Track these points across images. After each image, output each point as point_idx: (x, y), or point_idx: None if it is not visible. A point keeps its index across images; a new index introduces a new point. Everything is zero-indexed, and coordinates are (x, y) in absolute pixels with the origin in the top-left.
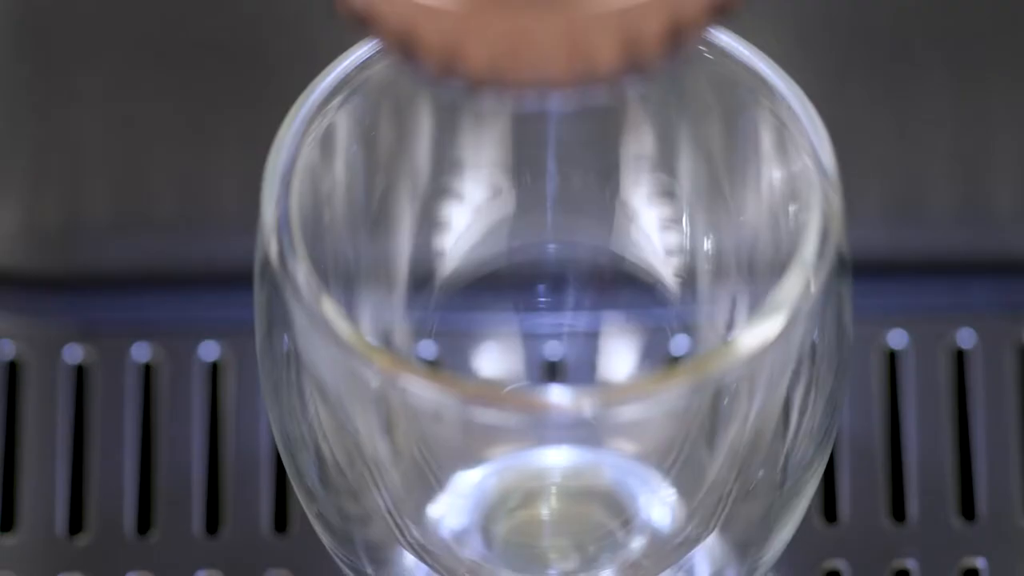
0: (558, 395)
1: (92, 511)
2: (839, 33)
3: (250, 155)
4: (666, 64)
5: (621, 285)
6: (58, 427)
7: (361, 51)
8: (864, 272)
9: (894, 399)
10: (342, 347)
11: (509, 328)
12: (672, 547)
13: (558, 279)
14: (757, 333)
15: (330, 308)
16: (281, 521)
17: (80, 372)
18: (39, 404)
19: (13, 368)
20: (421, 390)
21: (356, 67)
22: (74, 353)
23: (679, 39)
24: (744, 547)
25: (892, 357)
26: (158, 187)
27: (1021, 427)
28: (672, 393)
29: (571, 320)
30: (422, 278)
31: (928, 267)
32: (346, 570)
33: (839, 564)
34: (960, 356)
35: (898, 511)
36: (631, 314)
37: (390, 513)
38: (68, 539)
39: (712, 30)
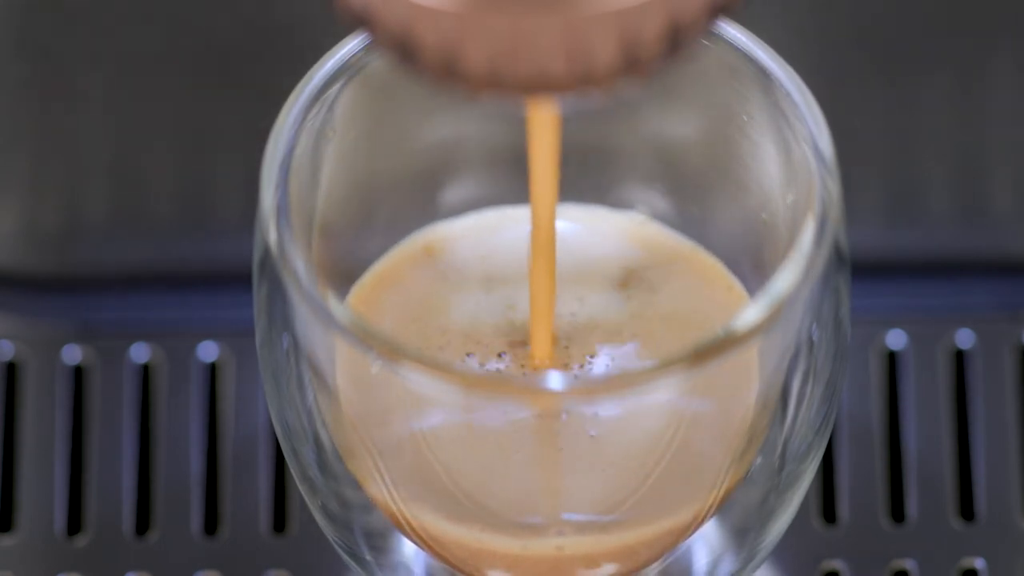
0: (556, 383)
1: (91, 511)
2: (838, 34)
3: (249, 156)
4: (665, 64)
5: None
6: (57, 427)
7: (359, 38)
8: (863, 272)
9: (893, 399)
10: (341, 333)
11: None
12: (668, 534)
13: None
14: (754, 321)
15: (329, 294)
16: (280, 521)
17: (79, 372)
18: (38, 404)
19: (12, 368)
20: (420, 377)
21: (355, 54)
22: (73, 353)
23: (678, 39)
24: (742, 533)
25: (891, 358)
26: (157, 188)
27: (1020, 428)
28: (668, 382)
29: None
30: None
31: (927, 267)
32: (346, 559)
33: (838, 565)
34: (959, 356)
35: (897, 512)
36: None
37: (391, 501)
38: (67, 539)
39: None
